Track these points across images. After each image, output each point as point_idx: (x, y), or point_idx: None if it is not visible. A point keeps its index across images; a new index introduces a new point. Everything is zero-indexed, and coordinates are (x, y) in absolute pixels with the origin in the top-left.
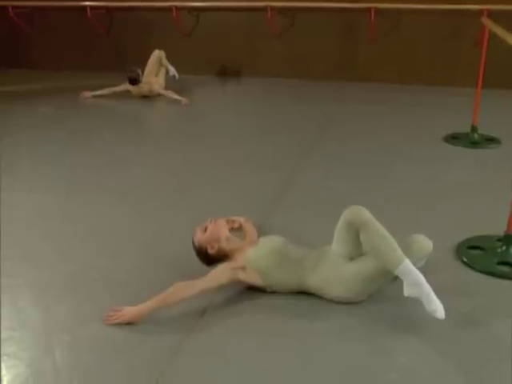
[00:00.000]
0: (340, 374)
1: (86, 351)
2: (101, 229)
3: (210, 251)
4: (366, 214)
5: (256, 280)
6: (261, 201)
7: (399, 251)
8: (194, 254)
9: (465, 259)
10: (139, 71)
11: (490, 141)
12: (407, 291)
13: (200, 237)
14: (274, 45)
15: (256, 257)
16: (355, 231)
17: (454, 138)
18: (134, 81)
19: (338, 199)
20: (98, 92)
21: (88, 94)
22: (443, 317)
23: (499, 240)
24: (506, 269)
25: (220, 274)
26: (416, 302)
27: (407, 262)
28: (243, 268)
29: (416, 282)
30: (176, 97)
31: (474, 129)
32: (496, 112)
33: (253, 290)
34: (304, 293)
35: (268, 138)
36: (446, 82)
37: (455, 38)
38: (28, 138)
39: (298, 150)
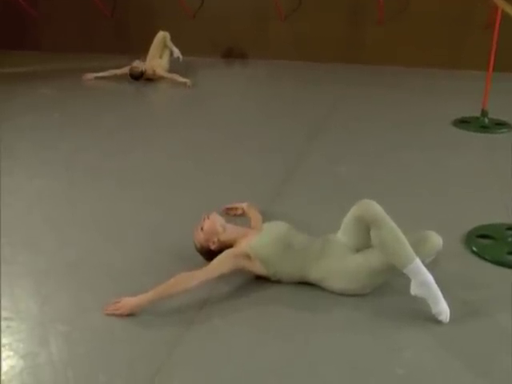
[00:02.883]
0: (344, 369)
1: (84, 342)
2: (103, 215)
3: (212, 247)
4: (376, 209)
5: (260, 269)
6: (265, 186)
7: (409, 250)
8: None
9: (474, 249)
10: (142, 68)
11: (501, 125)
12: (414, 290)
13: (199, 237)
14: (280, 27)
15: (260, 245)
16: (365, 226)
17: (463, 122)
18: (137, 78)
19: (344, 185)
20: (101, 74)
21: (90, 75)
22: (447, 320)
23: (509, 229)
24: None
25: (222, 263)
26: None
27: (417, 261)
28: (247, 256)
29: (424, 282)
30: (181, 80)
31: (484, 113)
32: (507, 96)
33: (255, 280)
34: (308, 284)
35: (273, 122)
36: (455, 65)
37: (466, 20)
38: (29, 121)
39: (304, 134)
